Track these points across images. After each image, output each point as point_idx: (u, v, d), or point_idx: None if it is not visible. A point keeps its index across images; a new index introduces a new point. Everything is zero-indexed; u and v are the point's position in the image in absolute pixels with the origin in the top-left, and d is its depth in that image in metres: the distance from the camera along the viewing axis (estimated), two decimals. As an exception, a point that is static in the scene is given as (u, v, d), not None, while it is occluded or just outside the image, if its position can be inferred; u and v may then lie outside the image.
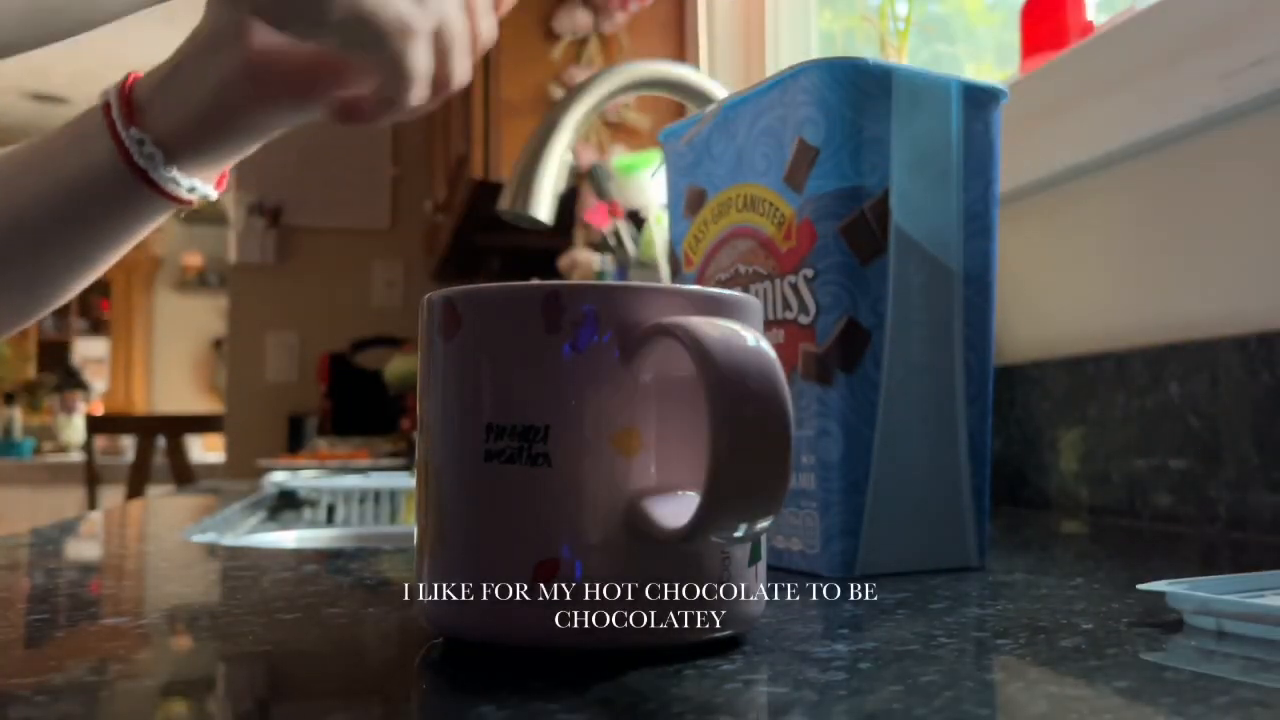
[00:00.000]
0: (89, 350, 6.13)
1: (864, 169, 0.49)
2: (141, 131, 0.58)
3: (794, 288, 0.50)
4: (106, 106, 0.59)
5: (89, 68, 4.63)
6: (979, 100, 0.52)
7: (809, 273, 0.49)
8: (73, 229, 0.61)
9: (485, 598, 0.32)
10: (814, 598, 0.42)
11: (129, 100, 0.59)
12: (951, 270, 0.52)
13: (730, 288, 0.52)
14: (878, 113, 0.49)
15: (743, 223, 0.53)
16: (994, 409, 0.91)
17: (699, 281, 0.56)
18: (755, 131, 0.52)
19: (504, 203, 0.99)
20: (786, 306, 0.50)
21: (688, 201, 0.57)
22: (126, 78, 0.59)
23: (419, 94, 0.52)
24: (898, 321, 0.49)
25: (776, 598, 0.42)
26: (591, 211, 1.47)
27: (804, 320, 0.49)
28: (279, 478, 1.45)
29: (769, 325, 0.51)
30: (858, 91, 0.49)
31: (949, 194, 0.52)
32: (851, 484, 0.48)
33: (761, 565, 0.34)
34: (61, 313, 6.05)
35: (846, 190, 0.49)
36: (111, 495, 3.74)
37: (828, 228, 0.49)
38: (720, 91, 1.11)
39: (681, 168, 0.58)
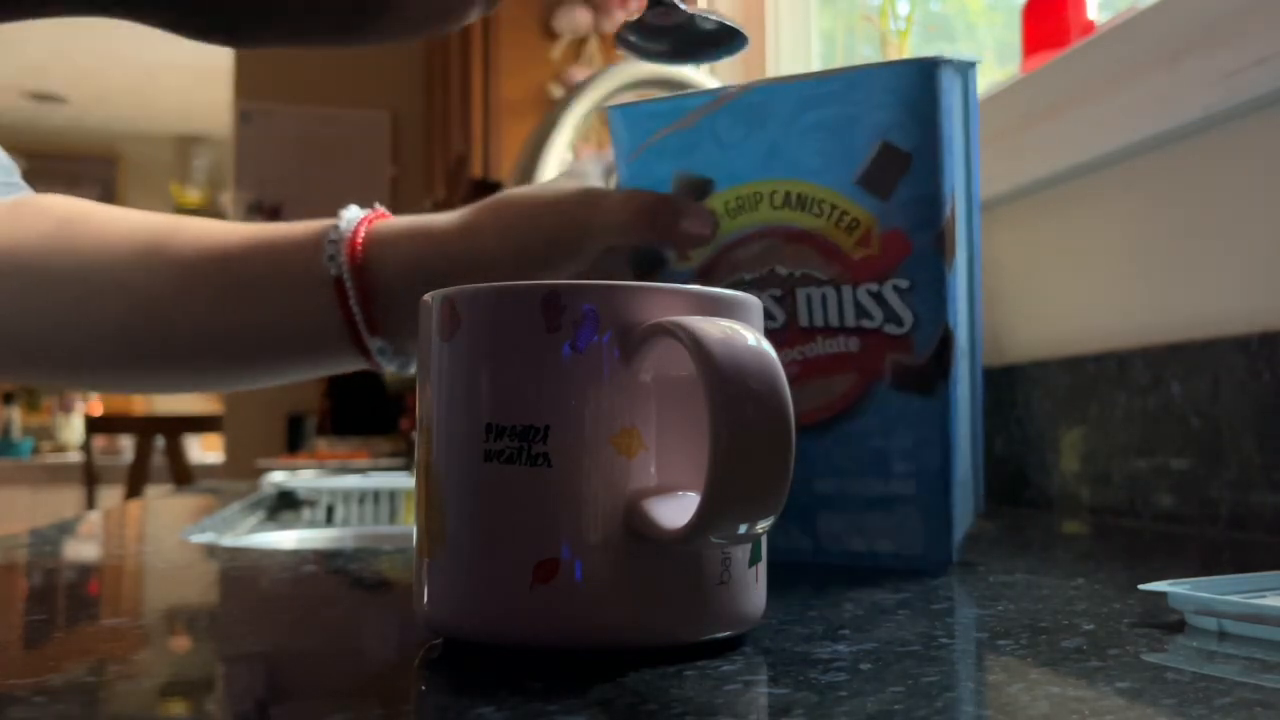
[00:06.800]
0: (88, 350, 6.12)
1: (946, 173, 0.48)
2: (384, 341, 0.57)
3: (876, 297, 0.48)
4: (340, 285, 0.56)
5: (89, 67, 4.63)
6: (965, 72, 0.52)
7: (902, 283, 0.48)
8: (264, 364, 0.60)
9: (485, 598, 0.32)
10: (814, 598, 0.42)
11: (362, 274, 0.56)
12: (974, 250, 0.53)
13: (764, 289, 0.50)
14: (946, 109, 0.48)
15: (782, 221, 0.49)
16: (995, 409, 0.91)
17: (702, 279, 0.52)
18: (802, 124, 0.49)
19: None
20: (864, 315, 0.48)
21: (680, 191, 0.52)
22: (355, 232, 0.57)
23: None
24: (958, 325, 0.50)
25: (777, 598, 0.42)
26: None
27: (895, 331, 0.48)
28: (278, 478, 1.44)
29: (829, 332, 0.49)
30: (939, 91, 0.47)
31: (972, 167, 0.52)
32: (948, 485, 0.49)
33: (762, 566, 0.34)
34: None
35: (936, 197, 0.47)
36: (110, 495, 3.74)
37: (924, 238, 0.47)
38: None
39: (664, 151, 0.52)
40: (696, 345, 0.29)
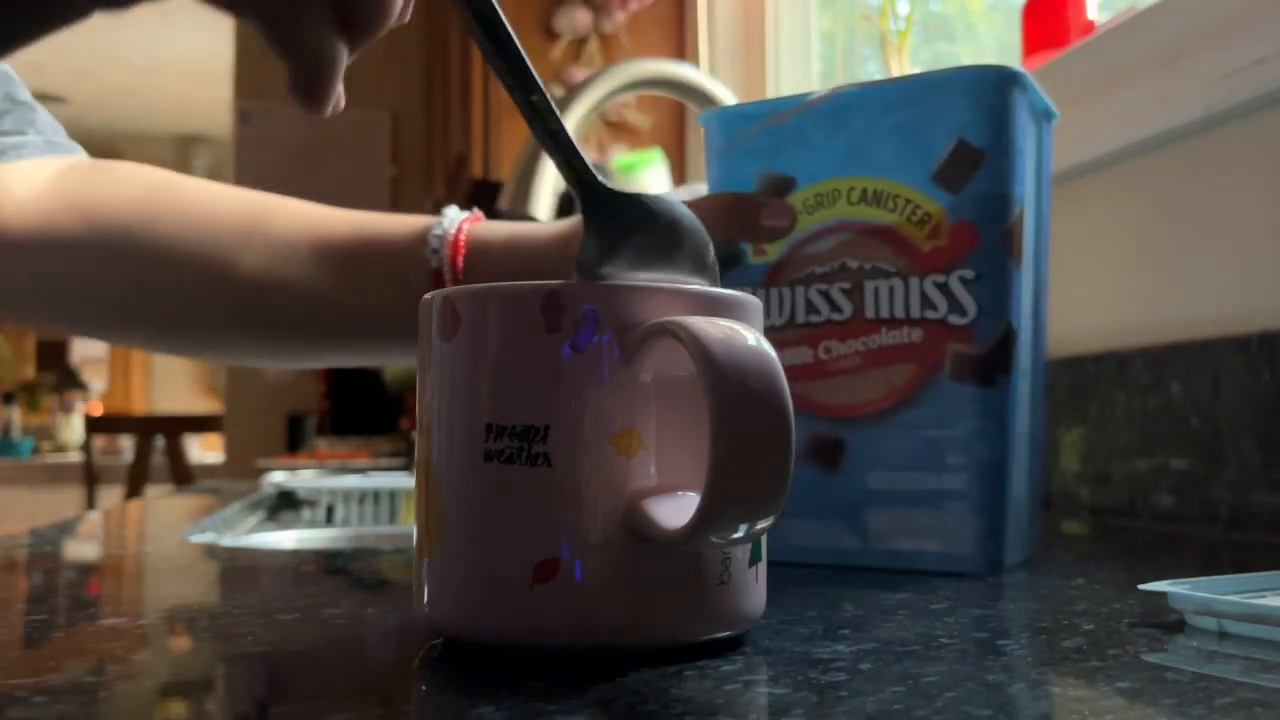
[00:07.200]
0: (87, 350, 6.13)
1: (1017, 176, 0.50)
2: None
3: (942, 288, 0.50)
4: (438, 278, 0.58)
5: (88, 66, 4.62)
6: (1049, 117, 0.56)
7: (968, 274, 0.49)
8: (353, 345, 0.62)
9: (485, 598, 0.32)
10: (814, 598, 0.42)
11: (461, 275, 0.58)
12: (1041, 276, 0.55)
13: (834, 282, 0.52)
14: (1020, 121, 0.51)
15: (858, 217, 0.51)
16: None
17: (776, 273, 0.53)
18: (883, 125, 0.51)
19: (504, 202, 0.98)
20: (929, 305, 0.50)
21: (762, 189, 0.54)
22: (458, 231, 0.58)
23: None
24: (1021, 327, 0.51)
25: (777, 598, 0.42)
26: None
27: (958, 321, 0.49)
28: (278, 478, 1.44)
29: (894, 324, 0.51)
30: (1013, 99, 0.50)
31: (1043, 201, 0.55)
32: (1003, 483, 0.50)
33: (762, 566, 0.34)
34: (61, 312, 6.04)
35: (1005, 195, 0.50)
36: (110, 495, 3.74)
37: (993, 232, 0.49)
38: (721, 90, 1.11)
39: (750, 152, 0.55)
40: (696, 345, 0.29)
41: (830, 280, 0.52)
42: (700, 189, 0.61)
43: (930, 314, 0.50)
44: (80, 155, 0.66)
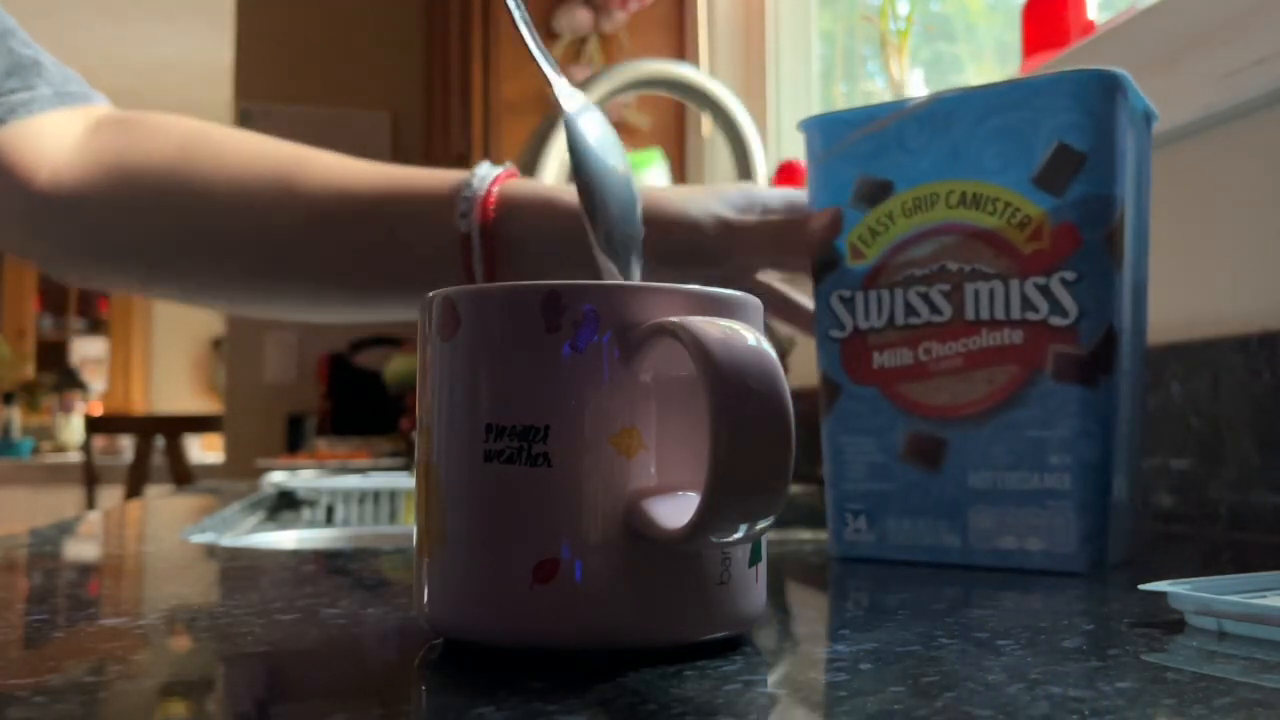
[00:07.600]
0: (87, 350, 6.13)
1: (1117, 178, 0.50)
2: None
3: (1043, 290, 0.50)
4: (466, 242, 0.57)
5: (89, 67, 4.62)
6: (1149, 119, 0.55)
7: (1070, 275, 0.49)
8: (381, 302, 0.62)
9: (485, 598, 0.32)
10: (814, 598, 0.42)
11: (491, 236, 0.57)
12: (1141, 275, 0.55)
13: (934, 284, 0.52)
14: (1122, 123, 0.51)
15: (958, 219, 0.52)
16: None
17: (874, 276, 0.54)
18: (984, 129, 0.52)
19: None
20: (1030, 307, 0.50)
21: (860, 193, 0.55)
22: (488, 193, 0.58)
23: None
24: (1123, 328, 0.51)
25: (777, 598, 0.42)
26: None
27: (1060, 322, 0.50)
28: (278, 478, 1.44)
29: (995, 325, 0.51)
30: (1116, 102, 0.50)
31: (1143, 202, 0.55)
32: (1106, 482, 0.50)
33: (762, 566, 0.34)
34: (60, 312, 6.05)
35: (1106, 197, 0.50)
36: (110, 495, 3.74)
37: (1095, 233, 0.50)
38: (721, 90, 1.11)
39: (849, 157, 0.55)
40: (696, 345, 0.29)
41: (929, 282, 0.53)
42: (802, 196, 0.60)
43: (1031, 315, 0.50)
44: (100, 103, 0.66)
